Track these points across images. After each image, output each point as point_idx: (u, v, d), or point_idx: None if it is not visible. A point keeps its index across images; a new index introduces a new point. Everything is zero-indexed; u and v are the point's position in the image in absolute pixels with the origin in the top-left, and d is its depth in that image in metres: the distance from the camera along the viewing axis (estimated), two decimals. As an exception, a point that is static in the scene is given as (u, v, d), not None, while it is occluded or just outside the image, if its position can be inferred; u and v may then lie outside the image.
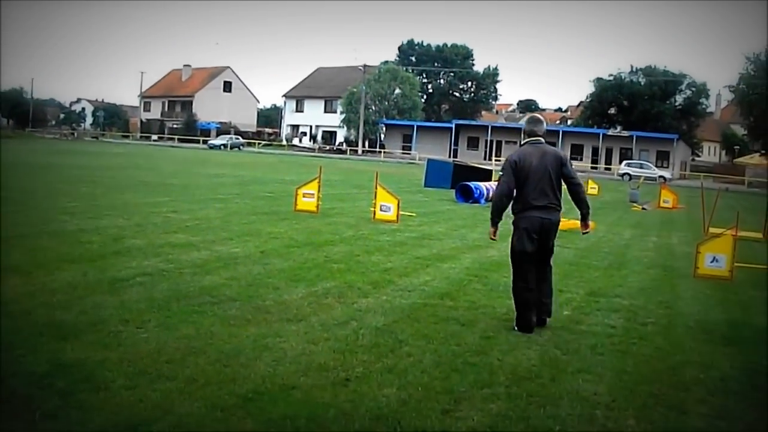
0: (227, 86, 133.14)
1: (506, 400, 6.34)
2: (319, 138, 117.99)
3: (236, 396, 5.97)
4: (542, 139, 9.07)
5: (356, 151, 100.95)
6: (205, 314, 8.43)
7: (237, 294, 9.55)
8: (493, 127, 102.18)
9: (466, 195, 28.03)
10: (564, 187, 9.07)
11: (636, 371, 7.47)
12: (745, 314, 10.91)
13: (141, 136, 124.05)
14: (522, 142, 9.24)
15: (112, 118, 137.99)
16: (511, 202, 8.96)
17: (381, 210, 19.49)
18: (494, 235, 9.24)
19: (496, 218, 9.09)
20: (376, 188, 19.62)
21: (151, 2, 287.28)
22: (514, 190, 8.85)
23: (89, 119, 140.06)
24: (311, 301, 9.48)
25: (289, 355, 7.07)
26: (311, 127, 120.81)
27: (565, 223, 20.98)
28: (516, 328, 8.73)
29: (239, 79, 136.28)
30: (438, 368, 7.01)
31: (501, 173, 9.02)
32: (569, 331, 8.93)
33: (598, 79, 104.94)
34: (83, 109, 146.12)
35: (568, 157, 9.40)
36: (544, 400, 6.38)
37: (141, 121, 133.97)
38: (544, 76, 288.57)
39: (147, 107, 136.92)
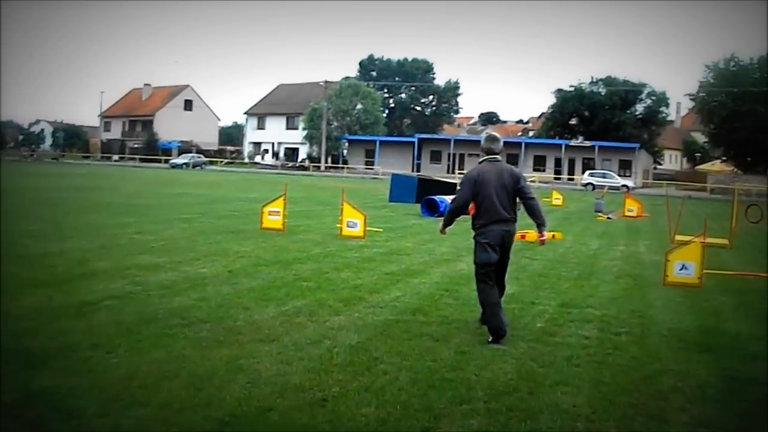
0: (188, 105, 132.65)
1: (486, 415, 6.28)
2: (281, 155, 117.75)
3: (213, 420, 5.86)
4: (499, 157, 9.61)
5: (319, 167, 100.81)
6: (176, 337, 8.31)
7: (207, 315, 9.42)
8: (455, 141, 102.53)
9: (432, 209, 28.02)
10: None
11: (613, 381, 7.44)
12: (717, 320, 10.96)
13: (102, 157, 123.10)
14: (480, 160, 9.65)
15: (72, 138, 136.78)
16: (472, 218, 9.44)
17: (347, 226, 19.39)
18: (443, 232, 10.20)
19: (448, 224, 9.93)
20: (343, 204, 19.53)
21: (110, 20, 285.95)
22: (470, 204, 9.40)
23: (49, 140, 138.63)
24: (283, 320, 9.38)
25: (264, 377, 6.97)
26: (273, 144, 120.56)
27: (533, 235, 21.04)
28: (490, 339, 8.77)
29: (200, 97, 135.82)
30: (415, 385, 6.93)
31: (459, 187, 9.60)
32: (544, 343, 8.90)
33: (559, 91, 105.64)
34: (42, 130, 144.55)
35: (523, 174, 9.84)
36: (524, 414, 6.34)
37: (101, 142, 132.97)
38: (505, 89, 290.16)
39: (107, 127, 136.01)
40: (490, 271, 9.22)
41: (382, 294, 11.52)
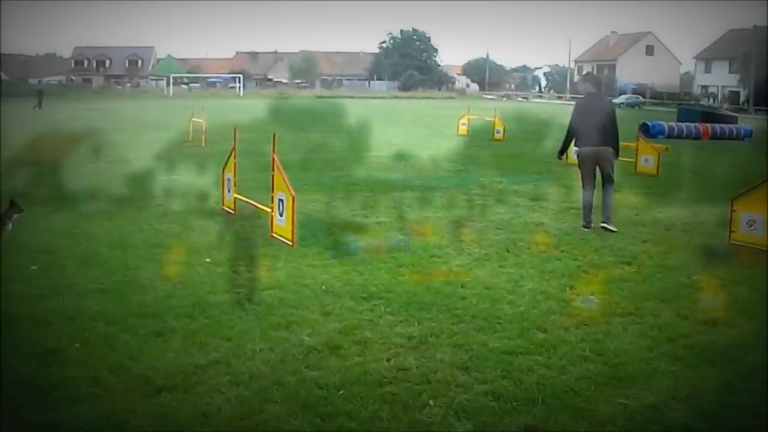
0: (649, 50, 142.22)
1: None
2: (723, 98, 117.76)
3: None
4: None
5: (746, 109, 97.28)
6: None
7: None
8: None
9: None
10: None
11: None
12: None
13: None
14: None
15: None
16: None
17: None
18: None
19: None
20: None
21: None
22: None
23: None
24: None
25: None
26: (718, 87, 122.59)
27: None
28: None
29: (661, 43, 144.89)
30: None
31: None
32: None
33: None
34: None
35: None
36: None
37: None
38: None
39: (580, 71, 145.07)
40: None
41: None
